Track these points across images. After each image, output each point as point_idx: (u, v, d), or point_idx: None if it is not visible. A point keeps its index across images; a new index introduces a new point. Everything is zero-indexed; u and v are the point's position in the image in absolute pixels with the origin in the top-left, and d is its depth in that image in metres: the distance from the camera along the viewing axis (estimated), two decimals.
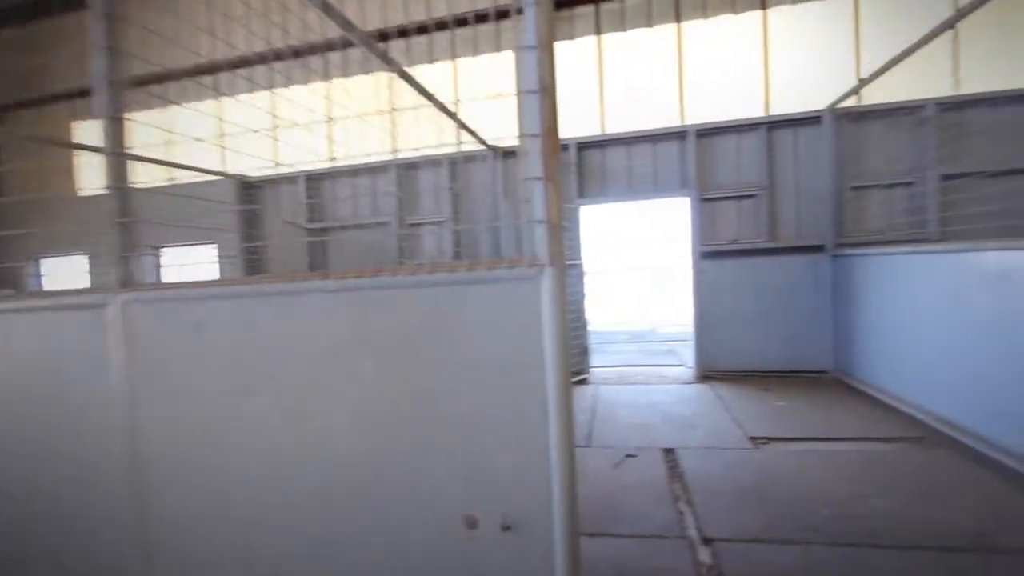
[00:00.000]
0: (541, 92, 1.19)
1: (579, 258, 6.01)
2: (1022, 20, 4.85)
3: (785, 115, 5.54)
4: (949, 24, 3.87)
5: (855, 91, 4.97)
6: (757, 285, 5.65)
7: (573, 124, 6.06)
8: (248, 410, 1.45)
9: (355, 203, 6.77)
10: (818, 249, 5.52)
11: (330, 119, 6.72)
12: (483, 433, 1.31)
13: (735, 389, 5.25)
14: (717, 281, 5.74)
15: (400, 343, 1.33)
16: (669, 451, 3.73)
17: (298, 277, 1.37)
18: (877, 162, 5.41)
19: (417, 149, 2.96)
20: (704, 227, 5.82)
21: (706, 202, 5.82)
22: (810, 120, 5.51)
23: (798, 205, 5.62)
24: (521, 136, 1.35)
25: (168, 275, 7.56)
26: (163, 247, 7.58)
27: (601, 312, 11.40)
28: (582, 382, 5.88)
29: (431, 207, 6.53)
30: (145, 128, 2.06)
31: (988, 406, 3.27)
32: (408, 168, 6.54)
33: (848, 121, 5.41)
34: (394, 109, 6.27)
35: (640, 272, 11.91)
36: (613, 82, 5.97)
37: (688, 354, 6.44)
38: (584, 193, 6.06)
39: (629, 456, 3.67)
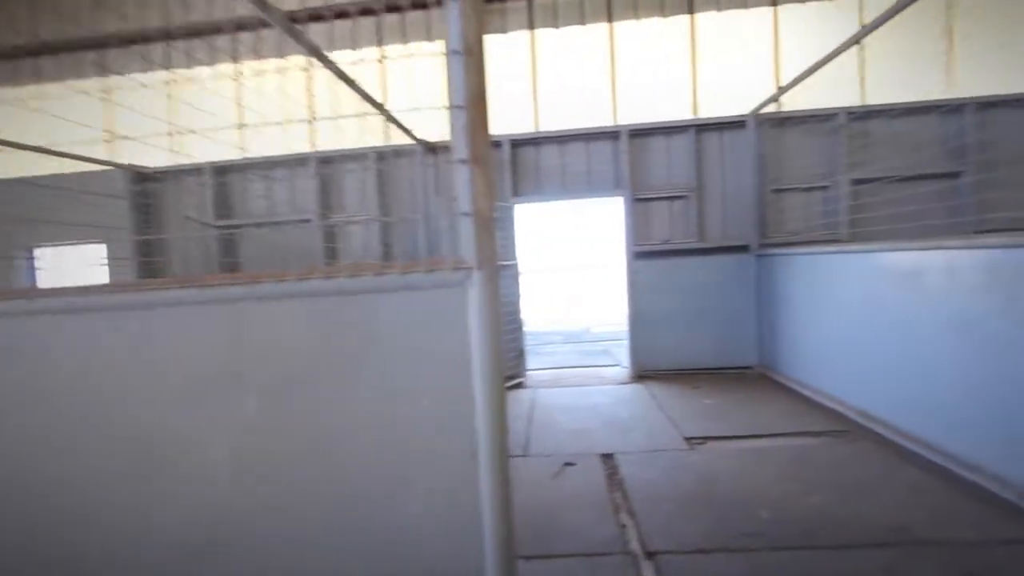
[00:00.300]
0: (465, 53, 0.96)
1: (514, 258, 5.83)
2: (919, 39, 5.24)
3: (712, 119, 5.67)
4: (855, 40, 4.05)
5: (775, 98, 5.15)
6: (687, 284, 5.74)
7: (507, 121, 5.88)
8: (75, 460, 1.11)
9: (272, 199, 6.20)
10: (743, 249, 5.69)
11: (240, 104, 6.11)
12: (399, 477, 1.06)
13: (668, 388, 5.28)
14: (650, 281, 5.77)
15: (291, 367, 1.05)
16: (608, 456, 3.63)
17: (151, 285, 1.04)
18: (796, 166, 5.66)
19: (336, 116, 2.61)
20: (637, 227, 5.83)
21: (639, 202, 5.84)
22: (735, 124, 5.67)
23: (724, 206, 5.77)
24: (446, 109, 1.11)
25: (47, 279, 6.57)
26: (40, 247, 6.58)
27: (536, 312, 11.35)
28: (518, 386, 5.71)
29: (356, 204, 6.10)
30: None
31: (902, 398, 3.43)
32: (330, 162, 6.07)
33: (770, 126, 5.62)
34: (308, 80, 5.80)
35: (574, 272, 11.98)
36: (547, 79, 5.86)
37: (623, 354, 6.45)
38: (518, 192, 5.89)
39: (568, 464, 3.52)
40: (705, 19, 5.76)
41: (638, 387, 5.42)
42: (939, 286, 3.08)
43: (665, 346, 5.79)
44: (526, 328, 8.87)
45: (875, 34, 5.57)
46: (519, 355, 5.87)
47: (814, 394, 4.50)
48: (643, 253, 5.79)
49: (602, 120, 5.81)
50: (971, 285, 2.85)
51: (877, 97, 5.55)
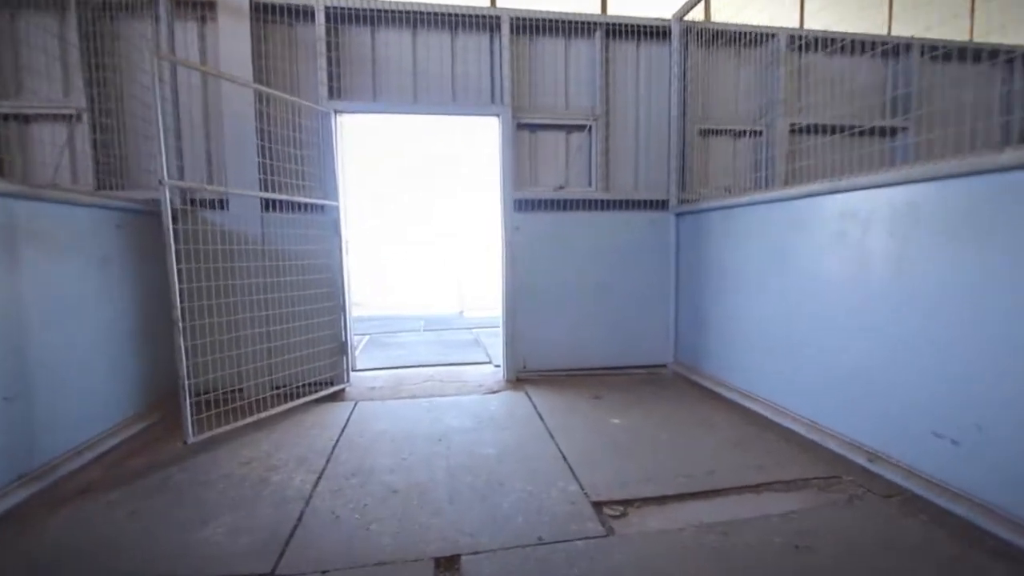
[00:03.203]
0: None
1: (332, 197, 3.71)
2: None
3: (626, 18, 4.06)
4: None
5: None
6: (585, 250, 4.12)
7: None
8: None
9: None
10: (660, 205, 4.21)
11: None
12: None
13: (558, 398, 3.61)
14: (534, 243, 4.05)
15: None
16: (450, 563, 1.78)
17: None
18: (727, 101, 4.29)
19: None
20: (520, 165, 4.06)
21: (524, 129, 4.06)
22: (655, 33, 4.12)
23: (638, 145, 4.23)
24: None
25: None
26: None
27: (395, 291, 9.21)
28: (335, 397, 3.65)
29: (48, 89, 3.49)
30: None
31: (931, 429, 2.05)
32: None
33: (697, 41, 4.15)
34: None
35: (446, 239, 9.98)
36: None
37: (498, 347, 4.71)
38: (342, 92, 3.77)
39: None
40: None
41: (516, 397, 3.67)
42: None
43: (553, 337, 4.12)
44: (361, 310, 6.86)
45: None
46: (337, 348, 3.79)
47: (763, 408, 3.10)
48: (527, 203, 4.04)
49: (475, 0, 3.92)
50: None
51: (816, 23, 4.38)
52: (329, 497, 2.25)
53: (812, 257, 2.70)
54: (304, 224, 3.59)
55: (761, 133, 4.35)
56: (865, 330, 2.37)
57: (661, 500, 2.20)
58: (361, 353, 5.04)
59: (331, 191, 3.70)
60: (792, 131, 4.25)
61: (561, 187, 4.10)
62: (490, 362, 4.57)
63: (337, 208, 3.72)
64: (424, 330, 6.47)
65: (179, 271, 2.69)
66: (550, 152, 4.14)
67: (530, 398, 3.62)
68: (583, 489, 2.28)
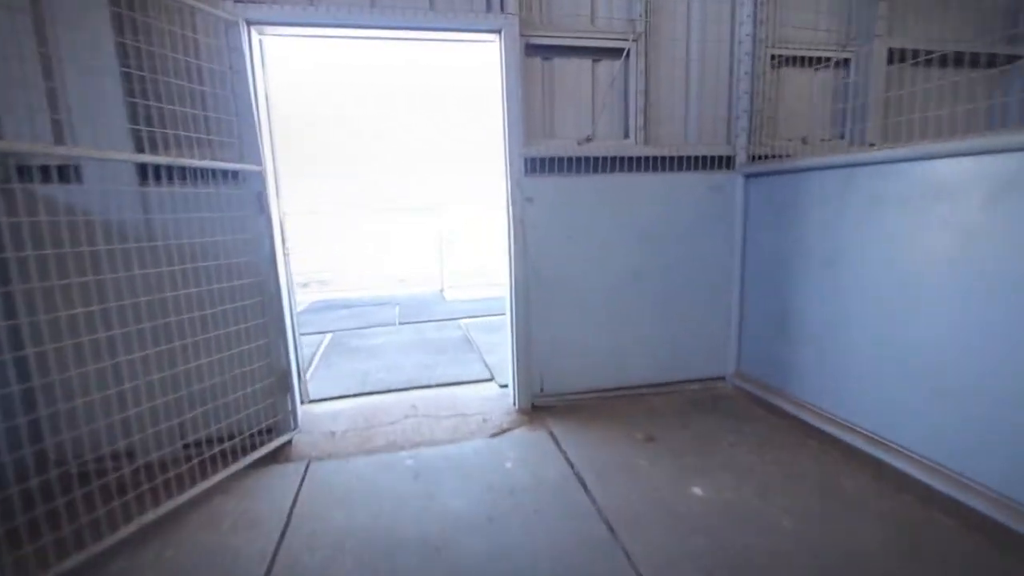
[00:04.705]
0: None
1: (252, 159, 2.44)
2: None
3: None
4: None
5: None
6: (620, 227, 3.00)
7: None
8: None
9: None
10: (722, 163, 3.09)
11: None
12: None
13: (597, 442, 2.56)
14: (552, 220, 2.90)
15: None
16: None
17: None
18: (804, 19, 3.13)
19: None
20: (530, 109, 2.84)
21: (536, 55, 2.83)
22: None
23: (690, 79, 3.06)
24: None
25: None
26: None
27: (359, 269, 7.95)
28: (276, 456, 2.51)
29: None
30: None
31: None
32: None
33: None
34: None
35: (427, 207, 8.68)
36: None
37: (499, 352, 3.62)
38: None
39: None
40: None
41: (537, 441, 2.61)
42: None
43: (577, 346, 3.04)
44: (325, 291, 5.80)
45: None
46: (276, 383, 2.62)
47: (907, 463, 2.09)
48: (541, 163, 2.86)
49: None
50: None
51: None
52: None
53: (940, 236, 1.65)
54: (210, 202, 2.33)
55: (848, 62, 3.22)
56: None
57: None
58: (318, 367, 3.86)
59: (250, 150, 2.43)
60: (898, 60, 3.12)
61: (588, 139, 2.92)
62: (492, 379, 3.46)
63: (260, 175, 2.46)
64: (400, 323, 5.29)
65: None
66: (571, 89, 2.93)
67: (558, 444, 2.56)
68: None
